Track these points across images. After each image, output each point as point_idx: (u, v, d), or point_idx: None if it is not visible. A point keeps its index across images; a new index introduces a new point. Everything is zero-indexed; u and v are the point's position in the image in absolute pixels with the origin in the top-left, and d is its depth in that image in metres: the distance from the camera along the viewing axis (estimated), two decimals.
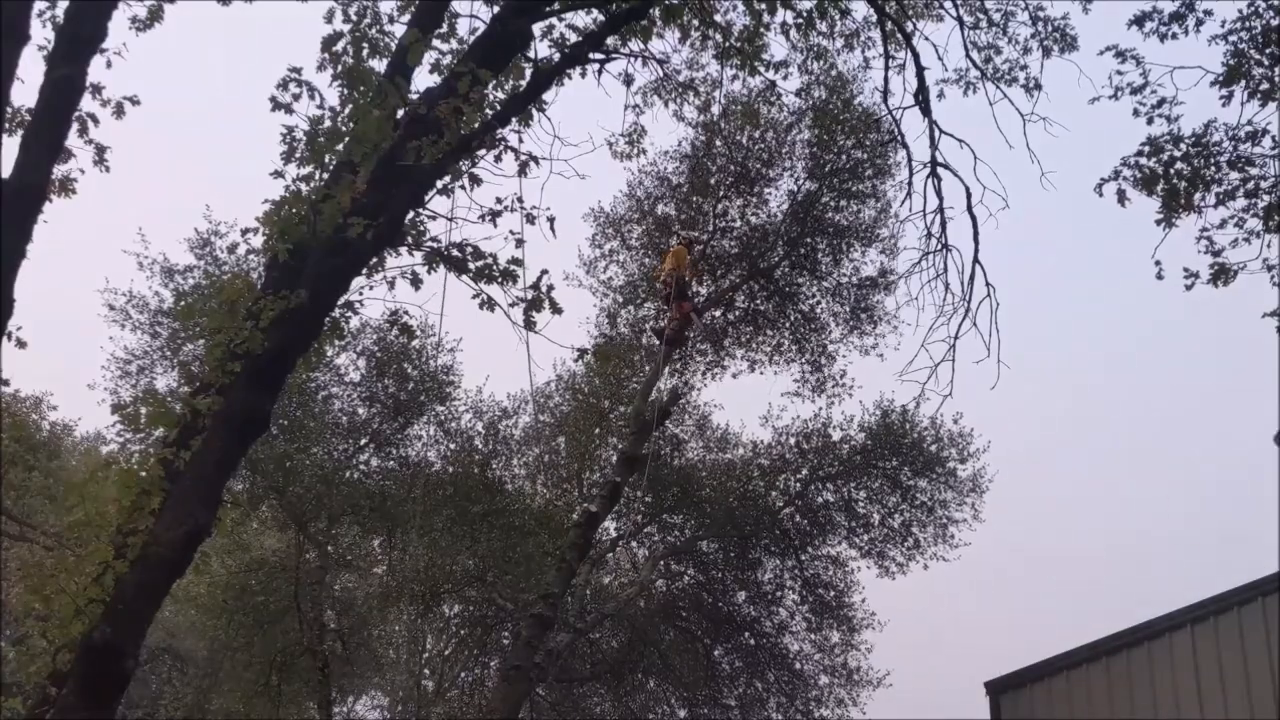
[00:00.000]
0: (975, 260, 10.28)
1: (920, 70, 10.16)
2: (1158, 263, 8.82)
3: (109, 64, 6.36)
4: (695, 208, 15.88)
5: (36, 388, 20.22)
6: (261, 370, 5.63)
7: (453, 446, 17.90)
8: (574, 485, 17.87)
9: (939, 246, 10.61)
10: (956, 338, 10.06)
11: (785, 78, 11.60)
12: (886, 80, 10.43)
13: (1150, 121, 8.83)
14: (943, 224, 10.54)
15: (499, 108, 6.52)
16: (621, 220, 16.21)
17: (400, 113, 6.03)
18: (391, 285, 6.58)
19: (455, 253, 6.31)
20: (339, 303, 6.17)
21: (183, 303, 14.41)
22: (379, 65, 6.30)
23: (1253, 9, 8.50)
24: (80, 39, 5.32)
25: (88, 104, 6.43)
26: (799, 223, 15.44)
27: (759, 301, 16.32)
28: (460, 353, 17.74)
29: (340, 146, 5.93)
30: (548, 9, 7.11)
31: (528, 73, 6.70)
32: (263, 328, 5.56)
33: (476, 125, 6.21)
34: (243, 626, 17.14)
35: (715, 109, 12.91)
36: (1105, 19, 10.21)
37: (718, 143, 15.09)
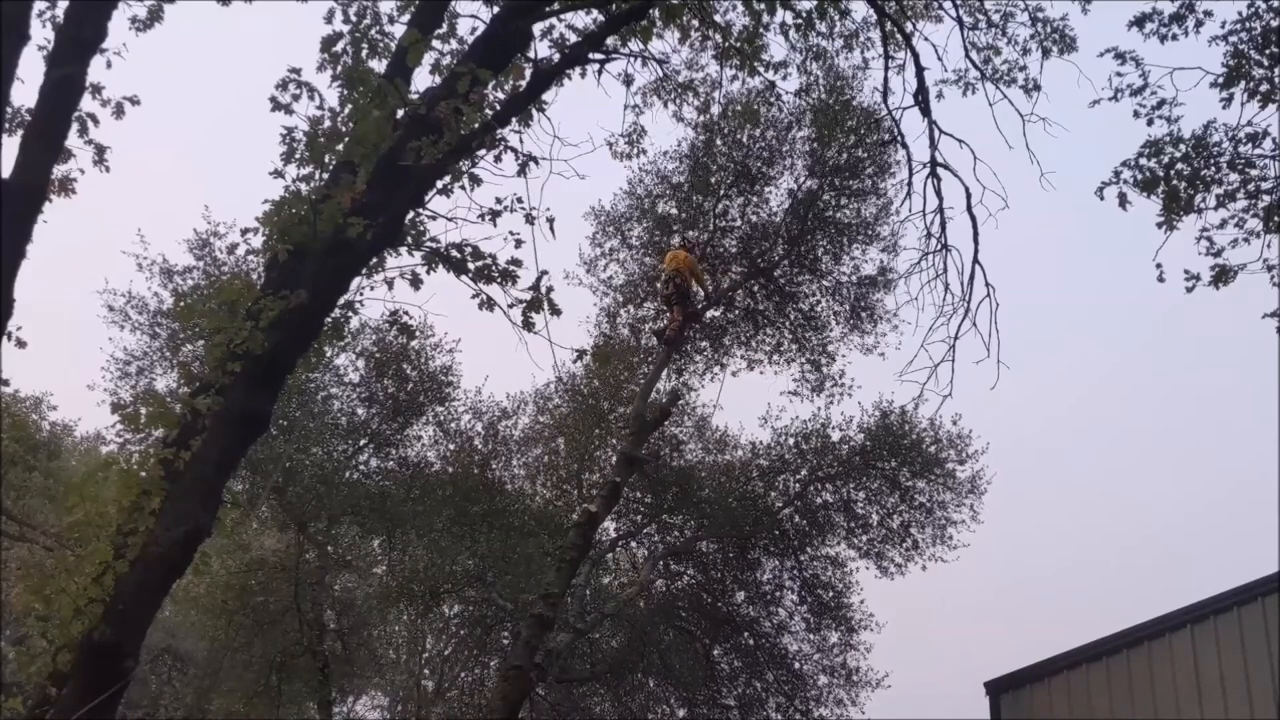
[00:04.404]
0: (975, 260, 10.27)
1: (920, 70, 10.15)
2: (1159, 265, 8.83)
3: (109, 64, 6.36)
4: (695, 206, 15.87)
5: (36, 388, 20.29)
6: (261, 370, 5.63)
7: (452, 447, 17.92)
8: (574, 485, 17.88)
9: (939, 247, 10.60)
10: (956, 338, 10.05)
11: (785, 78, 11.60)
12: (886, 80, 10.43)
13: (1150, 123, 8.84)
14: (942, 224, 10.54)
15: (499, 108, 6.51)
16: (622, 219, 16.21)
17: (400, 113, 6.03)
18: (391, 285, 6.58)
19: (455, 253, 6.31)
20: (339, 303, 6.16)
21: (182, 303, 14.43)
22: (379, 66, 6.30)
23: (1253, 10, 8.50)
24: (80, 39, 5.31)
25: (88, 104, 6.43)
26: (799, 221, 15.44)
27: (759, 300, 16.33)
28: (459, 353, 17.79)
29: (340, 147, 5.92)
30: (548, 9, 7.11)
31: (528, 73, 6.69)
32: (263, 328, 5.56)
33: (476, 125, 6.20)
34: (243, 627, 17.17)
35: (715, 109, 12.90)
36: (1105, 20, 10.22)
37: (717, 141, 15.08)
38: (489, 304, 6.43)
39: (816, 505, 17.35)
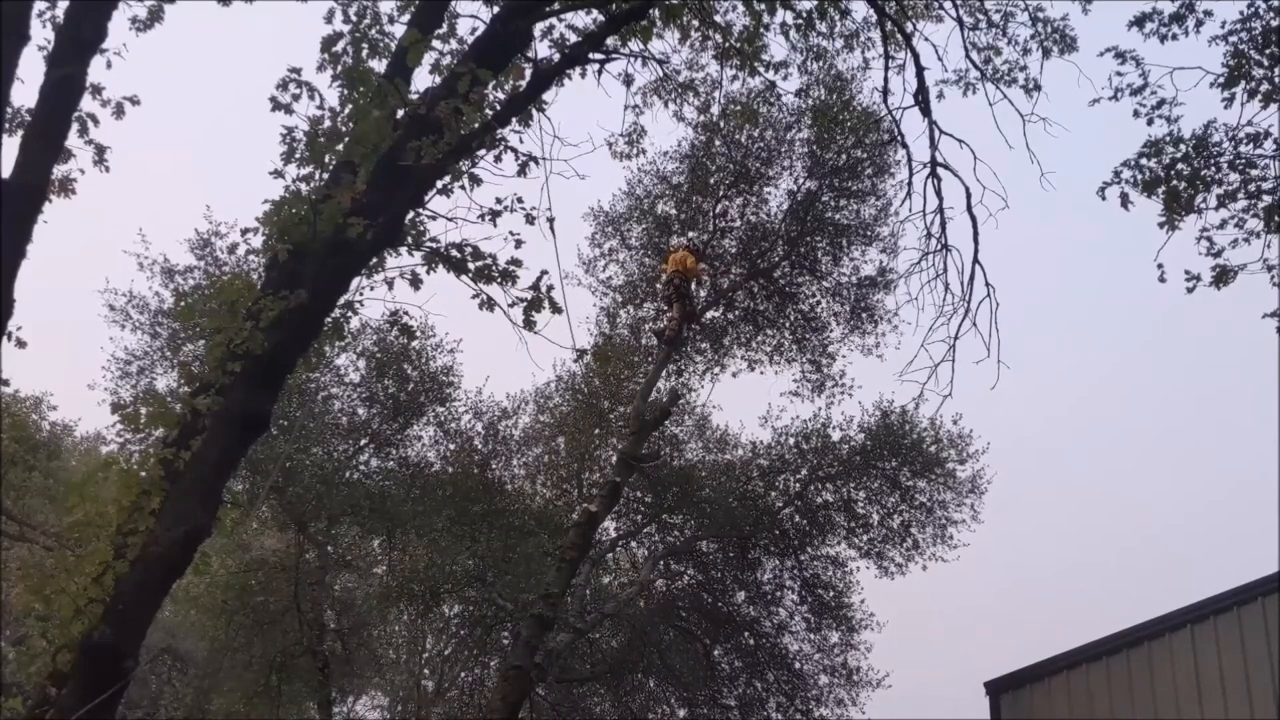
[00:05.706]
0: (975, 260, 10.26)
1: (920, 71, 10.13)
2: (1159, 265, 8.83)
3: (109, 64, 6.36)
4: (695, 207, 15.88)
5: (36, 388, 20.28)
6: (261, 370, 5.62)
7: (452, 447, 17.92)
8: (574, 485, 17.88)
9: (939, 247, 10.58)
10: (956, 338, 10.03)
11: (785, 78, 11.62)
12: (886, 80, 10.41)
13: (1151, 123, 8.84)
14: (942, 224, 10.52)
15: (499, 108, 6.51)
16: (621, 219, 16.22)
17: (400, 113, 6.02)
18: (391, 285, 6.57)
19: (455, 253, 6.30)
20: (339, 303, 6.16)
21: (183, 303, 14.43)
22: (379, 65, 6.29)
23: (1253, 10, 8.50)
24: (80, 39, 5.31)
25: (88, 104, 6.43)
26: (799, 222, 15.45)
27: (759, 301, 16.33)
28: (460, 353, 17.79)
29: (340, 147, 5.92)
30: (548, 9, 7.10)
31: (527, 73, 6.68)
32: (263, 328, 5.55)
33: (476, 125, 6.19)
34: (243, 626, 17.16)
35: (715, 109, 12.90)
36: (1105, 20, 10.22)
37: (717, 142, 15.09)
38: (489, 304, 6.43)
39: (817, 505, 17.35)
